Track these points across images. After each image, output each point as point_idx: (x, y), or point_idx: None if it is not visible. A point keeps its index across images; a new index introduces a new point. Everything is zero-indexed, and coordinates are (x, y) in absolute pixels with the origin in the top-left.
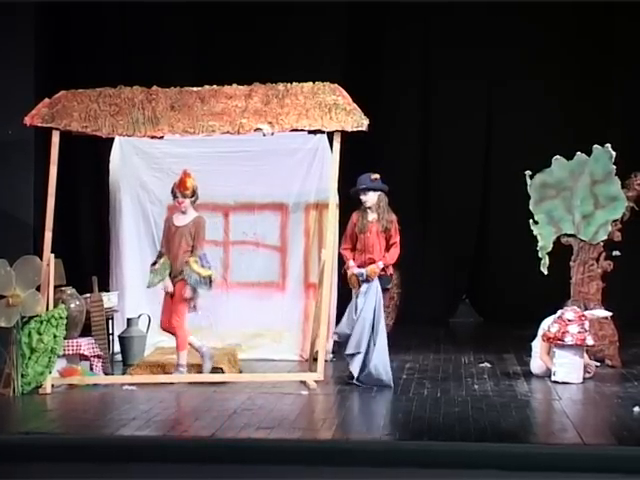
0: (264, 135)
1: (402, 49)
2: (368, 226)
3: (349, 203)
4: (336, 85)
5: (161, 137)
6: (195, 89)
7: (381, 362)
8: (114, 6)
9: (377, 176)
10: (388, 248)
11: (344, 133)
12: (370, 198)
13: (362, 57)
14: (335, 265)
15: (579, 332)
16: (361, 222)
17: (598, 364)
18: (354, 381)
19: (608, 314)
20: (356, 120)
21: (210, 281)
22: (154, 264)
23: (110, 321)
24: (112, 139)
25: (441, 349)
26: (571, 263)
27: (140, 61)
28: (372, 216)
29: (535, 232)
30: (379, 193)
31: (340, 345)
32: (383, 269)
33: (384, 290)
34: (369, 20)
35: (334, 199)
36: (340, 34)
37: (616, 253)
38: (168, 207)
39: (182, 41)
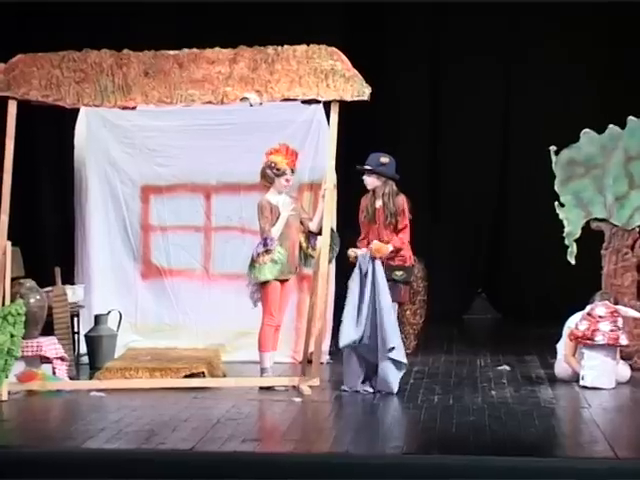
0: (251, 105)
1: (409, 15)
2: (377, 214)
3: (349, 184)
4: (333, 48)
5: (133, 108)
6: (172, 53)
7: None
8: None
9: (387, 160)
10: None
11: (343, 103)
12: (371, 182)
13: (364, 23)
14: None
15: (611, 330)
16: (368, 210)
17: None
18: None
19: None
20: (356, 88)
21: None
22: (265, 253)
23: (75, 318)
24: (77, 110)
25: (454, 350)
26: (602, 251)
27: (108, 21)
28: (378, 203)
29: (561, 216)
30: (384, 179)
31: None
32: (396, 255)
33: (406, 283)
34: None
35: (331, 179)
36: None
37: None
38: (142, 188)
39: None
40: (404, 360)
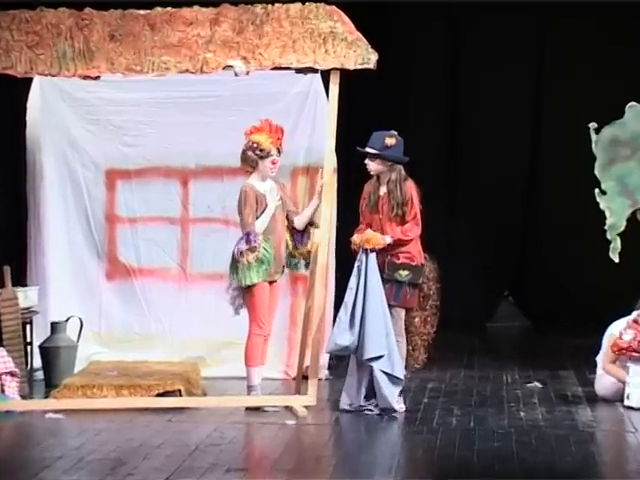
0: (236, 75)
1: None
2: (380, 203)
3: (350, 167)
4: (333, 7)
5: (97, 77)
6: (143, 12)
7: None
8: None
9: (393, 141)
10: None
11: (344, 72)
12: (375, 167)
13: None
14: (332, 250)
15: None
16: (370, 197)
17: None
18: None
19: None
20: (360, 54)
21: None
22: (249, 251)
23: (28, 326)
24: (30, 80)
25: (475, 363)
26: None
27: None
28: (383, 190)
29: (602, 206)
30: (390, 164)
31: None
32: (400, 251)
33: (413, 285)
34: None
35: (331, 161)
36: None
37: None
38: (107, 172)
39: None
40: (394, 372)
